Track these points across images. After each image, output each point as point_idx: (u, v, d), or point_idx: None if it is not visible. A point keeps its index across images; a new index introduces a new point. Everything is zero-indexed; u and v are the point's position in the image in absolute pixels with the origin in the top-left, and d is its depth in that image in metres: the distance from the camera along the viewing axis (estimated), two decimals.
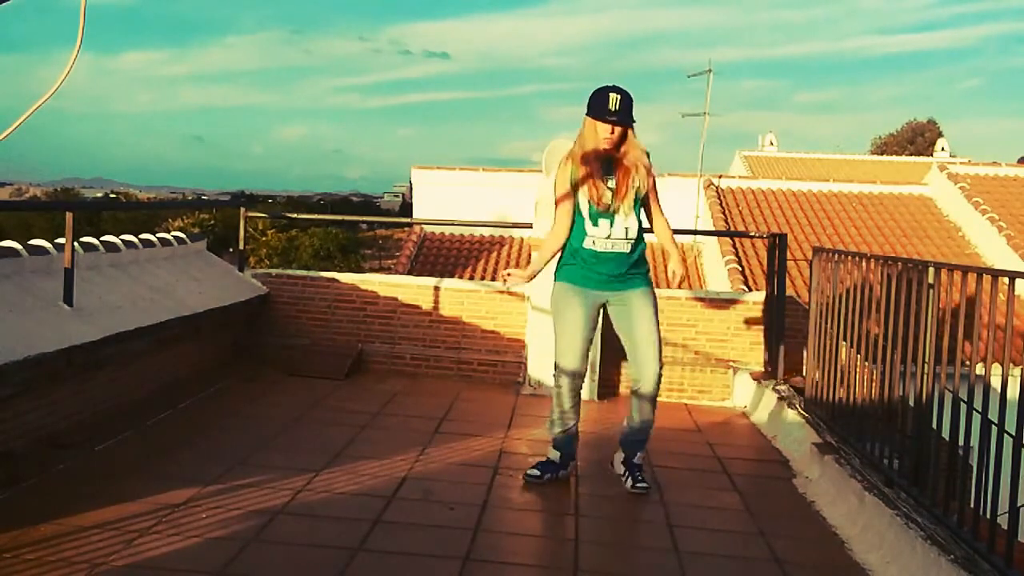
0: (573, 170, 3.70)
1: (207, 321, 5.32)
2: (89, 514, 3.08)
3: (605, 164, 3.67)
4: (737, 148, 29.31)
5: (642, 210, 3.78)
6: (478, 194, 14.62)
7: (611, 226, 3.68)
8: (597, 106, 3.60)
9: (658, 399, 3.83)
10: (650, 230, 3.91)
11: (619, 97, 3.57)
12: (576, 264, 3.76)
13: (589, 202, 3.67)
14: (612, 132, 3.61)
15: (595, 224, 3.69)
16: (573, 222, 3.74)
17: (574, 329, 3.75)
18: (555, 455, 3.89)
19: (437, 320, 6.08)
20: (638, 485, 3.77)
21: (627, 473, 3.83)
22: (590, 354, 3.85)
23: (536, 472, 3.84)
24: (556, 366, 3.81)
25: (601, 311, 3.89)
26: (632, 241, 3.71)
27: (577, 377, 3.79)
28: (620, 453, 3.92)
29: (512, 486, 3.83)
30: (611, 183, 3.66)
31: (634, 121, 3.65)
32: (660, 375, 3.77)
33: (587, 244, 3.71)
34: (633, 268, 3.75)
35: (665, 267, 3.95)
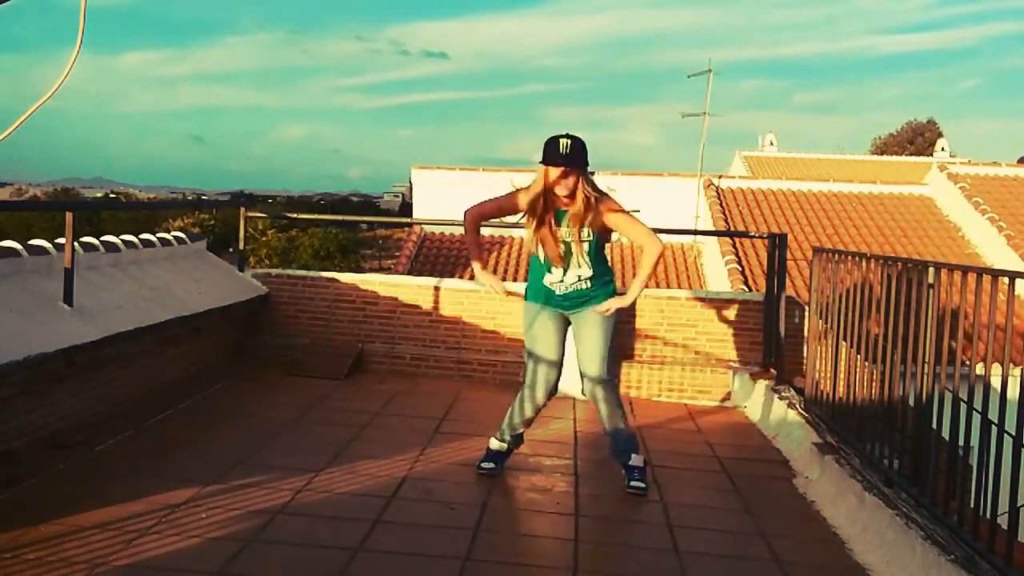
0: (532, 201, 3.71)
1: (207, 321, 5.32)
2: (89, 514, 3.08)
3: (558, 216, 3.72)
4: (737, 148, 29.33)
5: (601, 250, 3.82)
6: (478, 194, 14.62)
7: (564, 275, 3.78)
8: (549, 153, 3.63)
9: (619, 404, 3.87)
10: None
11: (569, 141, 3.62)
12: (539, 288, 3.86)
13: (545, 256, 3.76)
14: (564, 175, 3.62)
15: (548, 271, 3.80)
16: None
17: (540, 334, 3.84)
18: (502, 446, 3.97)
19: (437, 320, 6.08)
20: (632, 484, 3.77)
21: (626, 476, 3.83)
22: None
23: (490, 464, 3.92)
24: (534, 372, 3.84)
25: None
26: (589, 279, 3.78)
27: (554, 371, 3.85)
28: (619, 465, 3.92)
29: (512, 486, 3.83)
30: (565, 234, 3.71)
31: (586, 165, 3.66)
32: (605, 386, 3.80)
33: (546, 282, 3.83)
34: (589, 293, 3.80)
35: (640, 272, 3.99)
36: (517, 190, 3.79)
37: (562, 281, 3.78)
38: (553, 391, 3.88)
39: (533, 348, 3.87)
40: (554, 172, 3.62)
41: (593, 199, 3.66)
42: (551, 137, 3.66)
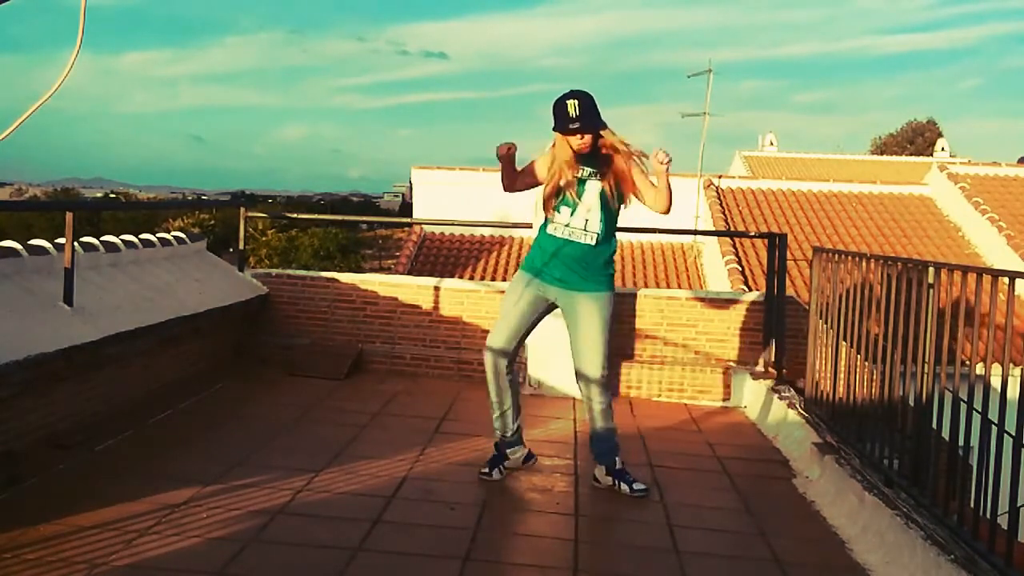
0: (552, 170, 3.66)
1: (207, 321, 5.32)
2: (89, 514, 3.08)
3: (587, 160, 3.64)
4: (737, 148, 29.34)
5: (613, 214, 3.74)
6: (478, 194, 14.63)
7: (571, 214, 3.66)
8: (559, 118, 3.54)
9: (611, 404, 3.81)
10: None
11: (576, 102, 3.49)
12: (535, 257, 3.79)
13: (562, 189, 3.66)
14: (581, 139, 3.55)
15: (557, 211, 3.70)
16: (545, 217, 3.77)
17: (510, 310, 3.80)
18: (496, 450, 3.92)
19: (437, 320, 6.08)
20: (635, 488, 3.75)
21: (616, 482, 3.78)
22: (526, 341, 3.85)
23: (486, 469, 3.87)
24: (490, 339, 3.84)
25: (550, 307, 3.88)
26: (594, 235, 3.67)
27: (500, 356, 3.80)
28: (599, 467, 3.86)
29: (512, 486, 3.83)
30: (586, 173, 3.64)
31: (600, 122, 3.57)
32: (601, 384, 3.72)
33: (549, 230, 3.74)
34: (588, 271, 3.70)
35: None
36: (534, 161, 3.73)
37: (567, 224, 3.66)
38: (501, 366, 3.81)
39: (500, 316, 3.84)
40: (572, 140, 3.54)
41: (614, 150, 3.61)
42: (558, 100, 3.54)
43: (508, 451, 3.97)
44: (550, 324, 4.86)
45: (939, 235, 13.82)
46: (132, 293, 4.78)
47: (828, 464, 3.90)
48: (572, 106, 3.48)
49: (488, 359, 3.84)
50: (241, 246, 6.74)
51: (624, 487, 3.76)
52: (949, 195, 14.52)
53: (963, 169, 15.41)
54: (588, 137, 3.56)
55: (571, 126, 3.50)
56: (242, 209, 6.68)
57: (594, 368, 3.71)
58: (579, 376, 3.79)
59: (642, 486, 3.76)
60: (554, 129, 3.58)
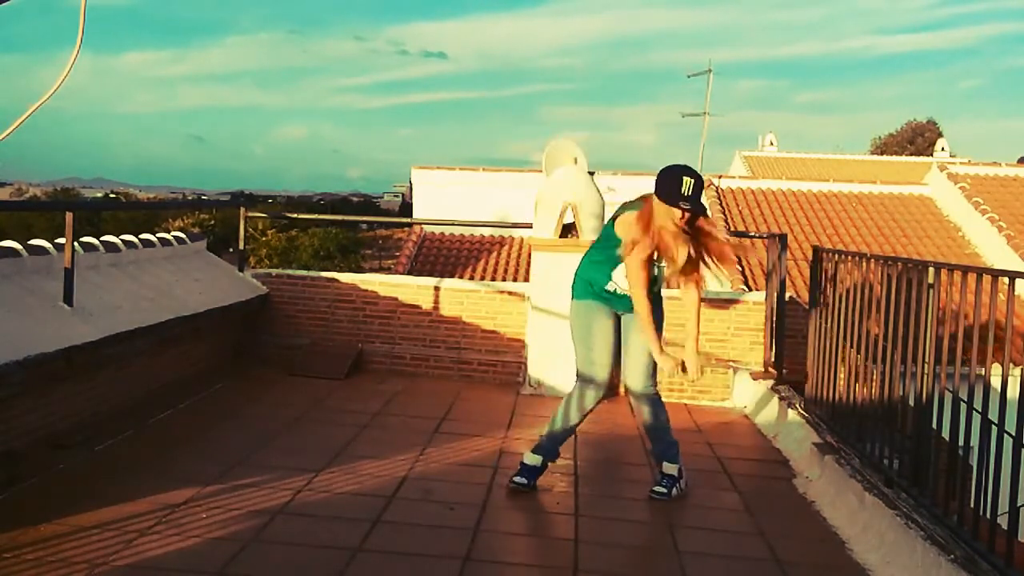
0: (643, 243, 3.58)
1: (207, 321, 5.32)
2: (89, 514, 3.08)
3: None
4: (737, 148, 29.33)
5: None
6: (478, 194, 14.63)
7: (654, 276, 3.70)
8: (671, 191, 3.49)
9: (659, 402, 3.82)
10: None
11: (693, 182, 3.48)
12: (596, 288, 3.79)
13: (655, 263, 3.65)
14: (683, 217, 3.51)
15: (610, 279, 3.74)
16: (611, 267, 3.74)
17: (604, 342, 3.77)
18: (537, 460, 3.80)
19: (437, 320, 6.08)
20: (654, 489, 3.76)
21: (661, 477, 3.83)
22: None
23: (523, 480, 3.75)
24: (585, 378, 3.76)
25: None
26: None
27: (605, 388, 3.80)
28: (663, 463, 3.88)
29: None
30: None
31: (705, 208, 3.59)
32: (648, 398, 3.79)
33: (609, 287, 3.76)
34: None
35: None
36: (639, 222, 3.61)
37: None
38: (601, 395, 3.78)
39: (591, 347, 3.77)
40: (675, 213, 3.49)
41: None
42: (673, 169, 3.51)
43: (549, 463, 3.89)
44: (550, 324, 4.89)
45: (939, 235, 13.81)
46: (132, 293, 4.78)
47: (828, 464, 3.90)
48: (688, 184, 3.47)
49: (593, 393, 3.77)
50: (241, 246, 6.75)
51: (659, 486, 3.77)
52: (949, 195, 14.51)
53: (963, 169, 15.39)
54: (688, 215, 3.53)
55: (682, 204, 3.49)
56: (242, 209, 6.69)
57: (638, 382, 3.80)
58: (627, 388, 3.89)
59: (661, 491, 3.75)
60: (659, 197, 3.53)
